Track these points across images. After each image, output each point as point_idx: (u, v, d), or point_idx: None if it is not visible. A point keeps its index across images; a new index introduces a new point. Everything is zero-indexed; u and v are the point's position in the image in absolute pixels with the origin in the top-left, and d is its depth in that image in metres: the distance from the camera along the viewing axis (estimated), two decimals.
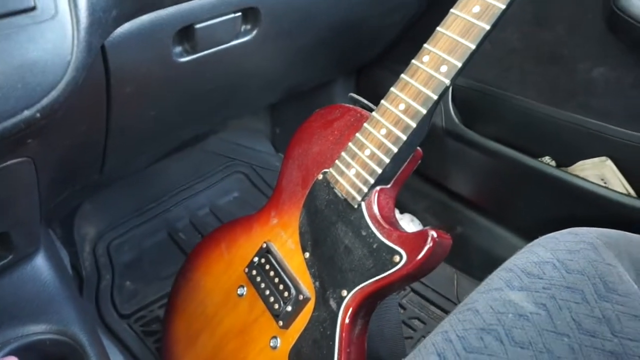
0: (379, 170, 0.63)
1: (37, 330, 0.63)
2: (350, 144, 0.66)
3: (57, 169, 0.62)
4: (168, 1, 0.59)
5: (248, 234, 0.77)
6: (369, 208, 0.64)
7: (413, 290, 1.05)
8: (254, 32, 0.71)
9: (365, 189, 0.64)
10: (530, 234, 0.69)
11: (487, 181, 1.01)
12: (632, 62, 0.78)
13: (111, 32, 0.55)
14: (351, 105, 0.72)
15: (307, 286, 0.67)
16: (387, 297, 0.64)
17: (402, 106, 0.62)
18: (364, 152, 0.64)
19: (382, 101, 0.64)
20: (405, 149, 0.63)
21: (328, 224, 0.67)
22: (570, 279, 0.60)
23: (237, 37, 0.70)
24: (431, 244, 0.58)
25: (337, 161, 0.68)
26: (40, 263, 0.67)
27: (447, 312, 1.01)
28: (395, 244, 0.60)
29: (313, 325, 0.65)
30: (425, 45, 0.60)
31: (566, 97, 0.86)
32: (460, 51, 0.57)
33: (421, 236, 0.58)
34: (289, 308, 0.67)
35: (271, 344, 0.68)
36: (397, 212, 1.06)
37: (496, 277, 0.63)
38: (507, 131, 0.94)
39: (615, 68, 0.80)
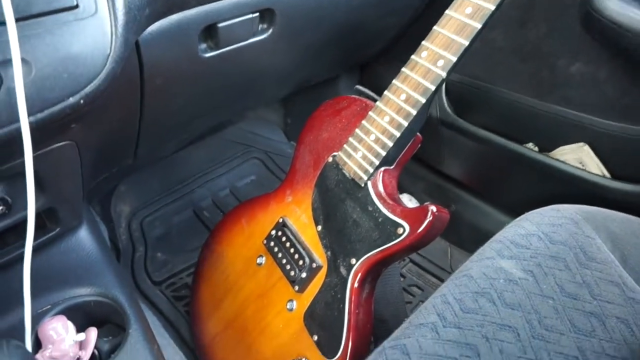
0: (383, 153, 0.62)
1: (82, 293, 0.63)
2: (357, 130, 0.66)
3: (97, 152, 0.62)
4: (194, 2, 0.58)
5: (266, 210, 0.77)
6: (375, 186, 0.63)
7: (412, 261, 1.05)
8: (270, 31, 0.70)
9: (371, 170, 0.63)
10: (515, 211, 0.69)
11: (477, 165, 1.00)
12: (605, 58, 0.77)
13: (144, 29, 0.54)
14: (357, 97, 0.71)
15: (319, 255, 0.67)
16: (390, 265, 0.64)
17: (403, 96, 0.61)
18: (370, 137, 0.64)
19: (386, 92, 0.64)
20: (407, 134, 0.62)
21: (338, 200, 0.66)
22: (554, 249, 0.60)
23: (254, 35, 0.69)
24: (431, 217, 0.57)
25: (345, 145, 0.67)
26: (83, 235, 0.67)
27: (442, 280, 1.02)
28: (399, 218, 0.60)
29: (325, 289, 0.65)
30: (423, 42, 0.60)
31: (548, 90, 0.84)
32: (455, 47, 0.56)
33: (422, 211, 0.58)
34: (304, 275, 0.67)
35: (288, 307, 0.68)
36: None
37: (488, 248, 0.63)
38: (495, 121, 0.93)
39: (590, 63, 0.79)
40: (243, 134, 1.31)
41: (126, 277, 0.94)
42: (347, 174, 0.66)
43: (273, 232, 0.74)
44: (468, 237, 1.06)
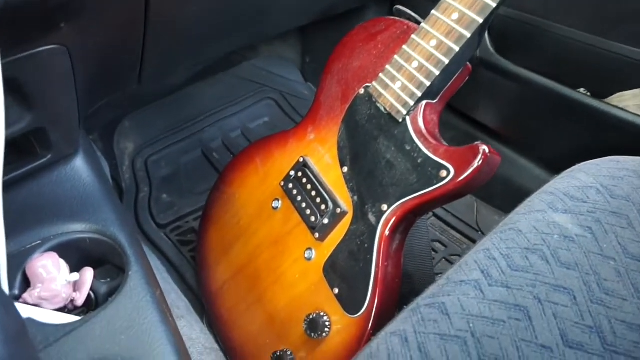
0: (428, 83, 0.53)
1: (76, 229, 0.56)
2: (396, 56, 0.56)
3: (95, 64, 0.53)
4: None
5: (283, 149, 0.69)
6: (414, 122, 0.55)
7: (435, 215, 0.97)
8: None
9: (412, 103, 0.54)
10: (553, 165, 0.60)
11: (516, 112, 0.91)
12: None
13: None
14: (396, 18, 0.61)
15: (344, 200, 0.59)
16: (427, 213, 0.56)
17: (455, 15, 0.52)
18: (412, 65, 0.55)
19: (433, 11, 0.54)
20: (456, 61, 0.53)
21: (369, 138, 0.58)
22: (615, 204, 0.53)
23: None
24: (482, 160, 0.49)
25: (381, 75, 0.58)
26: (79, 164, 0.59)
27: (467, 237, 0.95)
28: (442, 159, 0.52)
29: (350, 238, 0.58)
30: None
31: (611, 25, 0.74)
32: None
33: (471, 151, 0.50)
34: (326, 221, 0.60)
35: (306, 255, 0.61)
36: None
37: (537, 200, 0.56)
38: (543, 61, 0.83)
39: None
40: (257, 72, 1.22)
41: (127, 215, 0.88)
42: (381, 108, 0.57)
43: (292, 173, 0.66)
44: (498, 192, 0.98)
